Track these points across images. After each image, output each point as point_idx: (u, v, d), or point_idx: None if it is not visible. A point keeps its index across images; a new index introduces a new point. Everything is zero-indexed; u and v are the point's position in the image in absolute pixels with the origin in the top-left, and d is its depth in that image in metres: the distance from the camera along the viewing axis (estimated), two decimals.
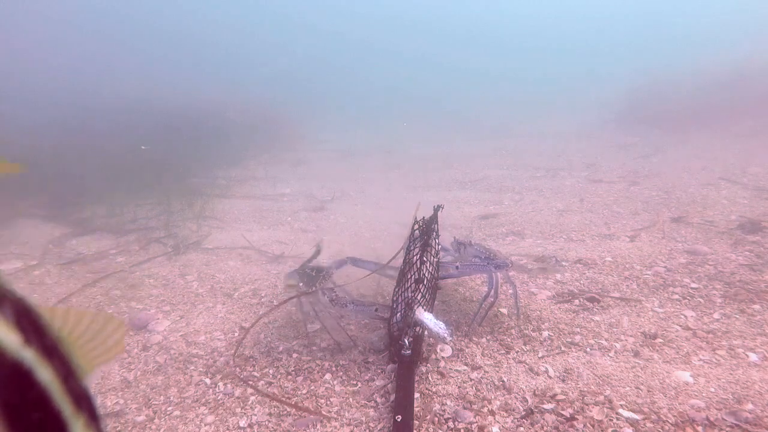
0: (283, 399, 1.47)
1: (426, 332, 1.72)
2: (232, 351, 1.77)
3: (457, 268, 1.84)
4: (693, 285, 2.11)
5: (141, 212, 4.04)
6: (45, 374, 0.29)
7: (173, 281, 2.52)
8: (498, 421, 1.31)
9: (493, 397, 1.42)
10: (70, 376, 0.32)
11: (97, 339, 0.38)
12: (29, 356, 0.28)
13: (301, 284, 1.79)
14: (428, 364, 1.59)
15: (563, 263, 2.48)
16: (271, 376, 1.60)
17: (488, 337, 1.76)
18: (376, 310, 1.67)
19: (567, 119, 10.04)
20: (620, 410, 1.32)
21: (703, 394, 1.38)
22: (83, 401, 0.31)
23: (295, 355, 1.71)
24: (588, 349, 1.66)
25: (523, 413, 1.34)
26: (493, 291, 1.84)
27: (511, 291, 2.04)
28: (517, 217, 3.55)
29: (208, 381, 1.60)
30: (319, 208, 4.16)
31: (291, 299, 1.87)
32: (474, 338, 1.76)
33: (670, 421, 1.27)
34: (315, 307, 1.78)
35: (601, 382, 1.46)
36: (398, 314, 1.60)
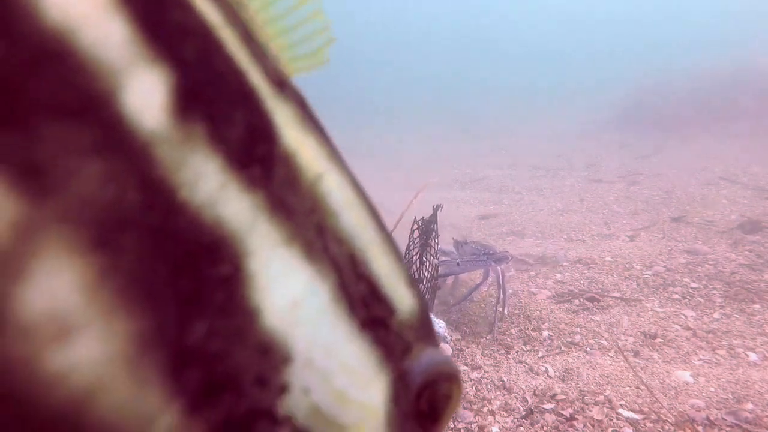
0: None
1: None
2: None
3: (458, 264, 1.84)
4: (693, 285, 2.11)
5: None
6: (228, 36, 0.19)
7: None
8: (498, 421, 1.31)
9: (493, 397, 1.42)
10: (265, 57, 0.22)
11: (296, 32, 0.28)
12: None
13: None
14: None
15: (563, 263, 2.48)
16: None
17: (488, 337, 1.76)
18: None
19: (567, 119, 10.05)
20: (620, 410, 1.32)
21: (703, 394, 1.38)
22: (287, 89, 0.22)
23: None
24: (588, 349, 1.66)
25: (523, 413, 1.34)
26: (501, 290, 1.84)
27: (510, 291, 2.04)
28: (516, 217, 3.55)
29: None
30: None
31: None
32: (474, 338, 1.76)
33: (670, 421, 1.27)
34: None
35: (601, 382, 1.46)
36: None
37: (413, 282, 0.28)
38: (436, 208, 1.91)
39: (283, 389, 0.19)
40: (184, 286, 0.17)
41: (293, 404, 0.20)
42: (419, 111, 12.77)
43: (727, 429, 1.23)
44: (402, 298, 0.25)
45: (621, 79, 12.21)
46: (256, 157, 0.19)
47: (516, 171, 5.57)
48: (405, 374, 0.24)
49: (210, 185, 0.18)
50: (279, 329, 0.19)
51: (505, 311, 1.89)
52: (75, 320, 0.15)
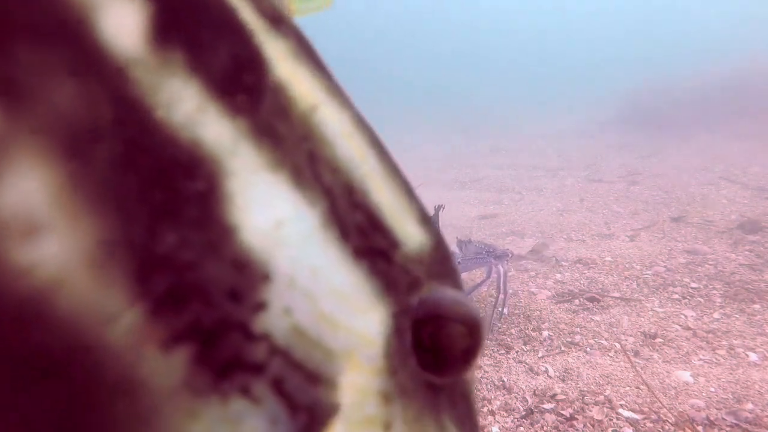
0: None
1: None
2: None
3: (458, 263, 1.84)
4: (693, 285, 2.11)
5: None
6: None
7: None
8: (498, 421, 1.31)
9: (493, 397, 1.42)
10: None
11: None
12: None
13: None
14: None
15: (563, 263, 2.48)
16: None
17: (488, 337, 1.76)
18: None
19: (567, 119, 10.05)
20: (620, 410, 1.32)
21: (703, 394, 1.38)
22: (284, 26, 0.22)
23: None
24: (588, 349, 1.66)
25: (523, 413, 1.34)
26: (501, 286, 1.84)
27: (510, 291, 2.04)
28: (517, 217, 3.55)
29: None
30: None
31: None
32: None
33: (670, 421, 1.27)
34: None
35: (601, 382, 1.46)
36: None
37: (427, 219, 0.27)
38: (438, 209, 1.91)
39: (260, 306, 0.20)
40: (155, 198, 0.18)
41: (272, 323, 0.20)
42: (419, 111, 12.77)
43: (727, 429, 1.23)
44: (409, 232, 0.25)
45: (621, 79, 12.22)
46: (242, 86, 0.20)
47: (516, 171, 5.56)
48: (410, 309, 0.24)
49: (187, 108, 0.19)
50: (258, 248, 0.20)
51: (505, 311, 1.89)
52: (43, 220, 0.16)
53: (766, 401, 1.32)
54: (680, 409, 1.31)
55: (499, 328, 1.81)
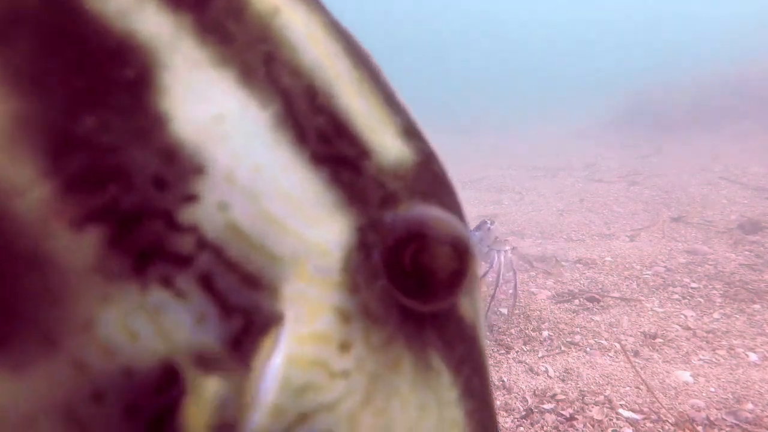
0: None
1: None
2: None
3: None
4: (693, 285, 2.11)
5: None
6: None
7: None
8: (498, 421, 1.31)
9: (493, 397, 1.42)
10: None
11: None
12: None
13: None
14: None
15: (563, 263, 2.48)
16: None
17: (488, 337, 1.76)
18: None
19: (567, 119, 10.05)
20: (620, 410, 1.32)
21: (703, 394, 1.38)
22: None
23: None
24: (588, 349, 1.66)
25: (523, 413, 1.34)
26: (503, 279, 1.85)
27: (511, 291, 2.04)
28: (516, 217, 3.55)
29: None
30: None
31: None
32: None
33: (670, 421, 1.27)
34: None
35: (601, 382, 1.46)
36: None
37: (414, 133, 0.25)
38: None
39: (189, 198, 0.19)
40: (77, 83, 0.18)
41: (203, 216, 0.19)
42: (418, 111, 12.73)
43: (727, 429, 1.23)
44: (385, 143, 0.23)
45: (621, 79, 12.22)
46: None
47: (516, 171, 5.56)
48: (380, 224, 0.22)
49: (122, 1, 0.19)
50: (192, 139, 0.19)
51: (505, 311, 1.89)
52: None
53: (766, 401, 1.32)
54: (680, 409, 1.31)
55: (500, 328, 1.81)
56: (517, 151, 7.00)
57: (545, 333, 1.77)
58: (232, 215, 0.20)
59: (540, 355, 1.64)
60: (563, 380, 1.48)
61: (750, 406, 1.31)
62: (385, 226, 0.22)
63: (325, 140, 0.22)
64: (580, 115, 10.14)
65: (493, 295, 1.86)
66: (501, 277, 1.86)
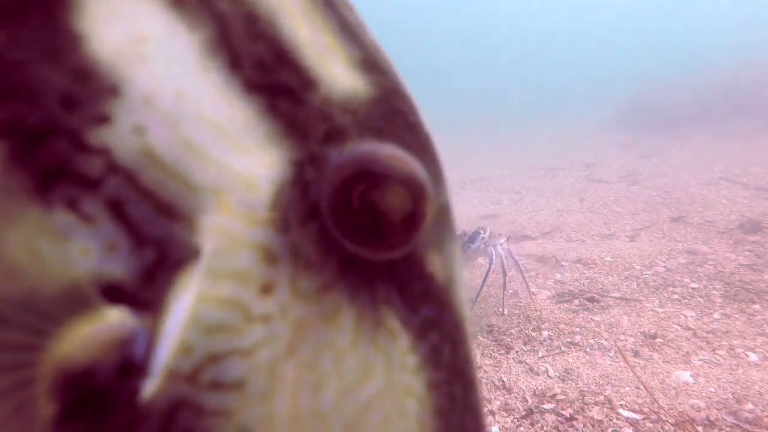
0: None
1: None
2: None
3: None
4: (693, 285, 2.11)
5: None
6: None
7: None
8: (498, 421, 1.31)
9: (493, 397, 1.42)
10: None
11: None
12: None
13: None
14: None
15: (563, 263, 2.48)
16: None
17: (488, 337, 1.76)
18: None
19: (567, 119, 10.05)
20: (620, 410, 1.32)
21: (703, 394, 1.38)
22: None
23: None
24: (588, 349, 1.66)
25: (523, 413, 1.34)
26: (503, 269, 1.85)
27: (509, 290, 2.04)
28: (516, 217, 3.55)
29: None
30: None
31: None
32: (473, 338, 1.76)
33: (670, 421, 1.27)
34: None
35: (601, 382, 1.46)
36: None
37: (373, 66, 0.22)
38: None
39: (102, 119, 0.19)
40: None
41: (117, 139, 0.19)
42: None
43: (727, 429, 1.23)
44: (334, 73, 0.21)
45: (621, 79, 12.21)
46: None
47: (516, 171, 5.56)
48: (323, 160, 0.20)
49: None
50: (107, 60, 0.19)
51: (505, 311, 1.89)
52: None
53: (766, 401, 1.32)
54: (680, 410, 1.31)
55: (500, 328, 1.81)
56: (517, 151, 7.00)
57: (545, 333, 1.77)
58: (148, 140, 0.19)
59: (540, 355, 1.64)
60: (563, 380, 1.48)
61: (750, 406, 1.31)
62: (330, 163, 0.20)
63: (263, 68, 0.20)
64: (580, 116, 10.13)
65: (504, 287, 1.87)
66: (505, 268, 1.87)
